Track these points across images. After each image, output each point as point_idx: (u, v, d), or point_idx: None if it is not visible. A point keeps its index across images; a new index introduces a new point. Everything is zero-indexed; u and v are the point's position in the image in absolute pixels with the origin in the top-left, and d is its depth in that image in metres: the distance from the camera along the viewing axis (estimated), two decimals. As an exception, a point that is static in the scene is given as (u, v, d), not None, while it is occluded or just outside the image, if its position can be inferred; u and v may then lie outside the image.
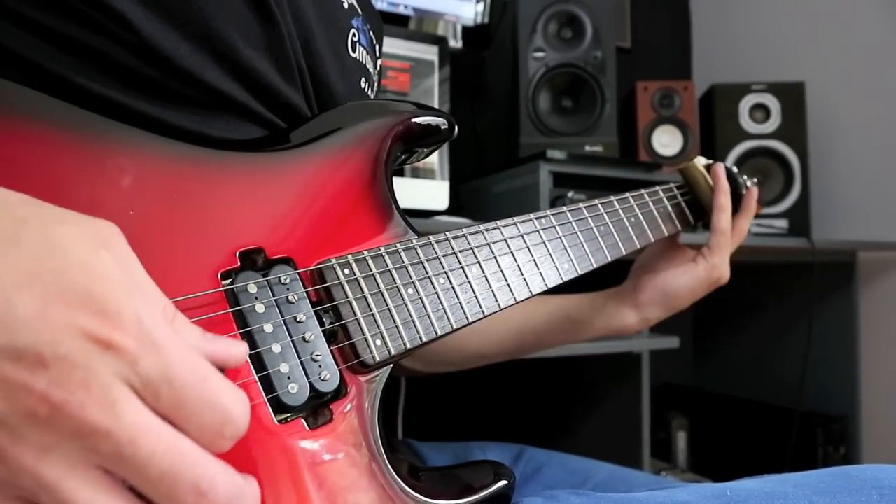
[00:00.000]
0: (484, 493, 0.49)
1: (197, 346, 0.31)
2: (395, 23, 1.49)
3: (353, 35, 0.63)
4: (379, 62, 0.71)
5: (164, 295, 0.31)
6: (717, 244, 0.76)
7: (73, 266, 0.27)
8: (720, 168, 0.79)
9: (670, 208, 0.76)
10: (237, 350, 0.34)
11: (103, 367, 0.27)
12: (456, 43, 1.62)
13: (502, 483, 0.50)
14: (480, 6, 1.62)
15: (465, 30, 1.66)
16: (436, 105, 1.40)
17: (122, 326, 0.27)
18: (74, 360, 0.26)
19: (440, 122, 0.58)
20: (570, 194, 1.28)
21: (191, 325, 0.32)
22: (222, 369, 0.32)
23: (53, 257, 0.27)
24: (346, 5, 0.62)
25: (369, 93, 0.66)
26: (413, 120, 0.56)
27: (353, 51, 0.63)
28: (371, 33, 0.68)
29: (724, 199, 0.76)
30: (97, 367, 0.26)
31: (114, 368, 0.27)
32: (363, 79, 0.64)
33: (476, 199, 1.55)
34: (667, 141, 1.82)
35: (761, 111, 1.80)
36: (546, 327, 0.81)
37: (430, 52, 1.39)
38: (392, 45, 1.34)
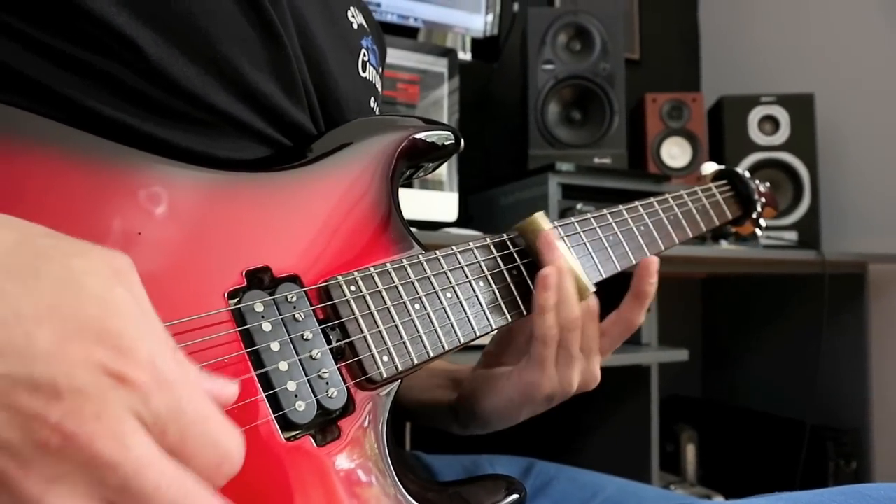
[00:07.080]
0: (496, 508, 0.48)
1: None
2: (405, 35, 1.49)
3: (364, 55, 0.63)
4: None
5: (167, 330, 0.32)
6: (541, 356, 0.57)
7: (90, 301, 0.28)
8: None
9: (667, 219, 0.71)
10: (229, 390, 0.34)
11: (116, 400, 0.27)
12: (465, 55, 1.62)
13: (514, 497, 0.50)
14: (490, 18, 1.62)
15: (475, 42, 1.66)
16: (444, 117, 1.40)
17: (136, 362, 0.28)
18: (89, 393, 0.27)
19: (445, 136, 0.58)
20: (578, 206, 1.28)
21: (190, 361, 0.32)
22: None
23: (71, 291, 0.28)
24: (355, 26, 0.63)
25: (377, 111, 0.66)
26: (417, 136, 0.56)
27: (364, 70, 0.63)
28: (378, 52, 0.68)
29: (544, 295, 0.54)
30: (110, 400, 0.27)
31: (127, 402, 0.27)
32: (372, 98, 0.65)
33: (485, 211, 1.55)
34: (676, 153, 1.82)
35: (770, 123, 1.80)
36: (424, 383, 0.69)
37: (439, 64, 1.40)
38: (401, 56, 1.35)
